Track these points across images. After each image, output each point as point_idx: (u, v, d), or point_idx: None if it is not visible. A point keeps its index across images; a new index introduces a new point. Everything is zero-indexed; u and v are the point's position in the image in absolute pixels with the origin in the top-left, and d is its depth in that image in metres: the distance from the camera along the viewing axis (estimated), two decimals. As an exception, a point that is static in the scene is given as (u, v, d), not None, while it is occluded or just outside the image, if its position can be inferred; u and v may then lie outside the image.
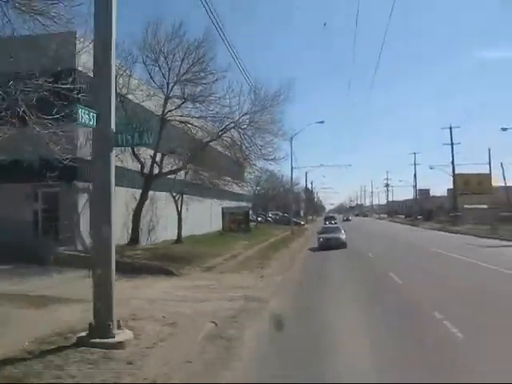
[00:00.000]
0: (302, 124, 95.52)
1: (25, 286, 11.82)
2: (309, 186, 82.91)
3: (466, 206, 61.35)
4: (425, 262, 19.07)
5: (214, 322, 8.45)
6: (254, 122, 20.81)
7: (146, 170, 20.58)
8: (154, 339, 7.10)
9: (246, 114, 20.79)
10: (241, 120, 20.80)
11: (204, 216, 31.50)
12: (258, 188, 51.85)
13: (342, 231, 29.12)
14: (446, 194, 76.56)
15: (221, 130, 20.95)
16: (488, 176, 65.12)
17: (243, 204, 43.45)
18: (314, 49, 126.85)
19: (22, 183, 17.31)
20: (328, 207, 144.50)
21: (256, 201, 51.88)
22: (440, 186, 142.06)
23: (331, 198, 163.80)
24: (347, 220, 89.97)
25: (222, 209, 34.19)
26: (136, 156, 19.97)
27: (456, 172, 62.20)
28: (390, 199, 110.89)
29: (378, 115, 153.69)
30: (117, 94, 12.68)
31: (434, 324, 8.19)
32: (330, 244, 26.54)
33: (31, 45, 12.90)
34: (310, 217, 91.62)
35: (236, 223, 33.99)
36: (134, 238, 20.25)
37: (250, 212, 42.88)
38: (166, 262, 16.49)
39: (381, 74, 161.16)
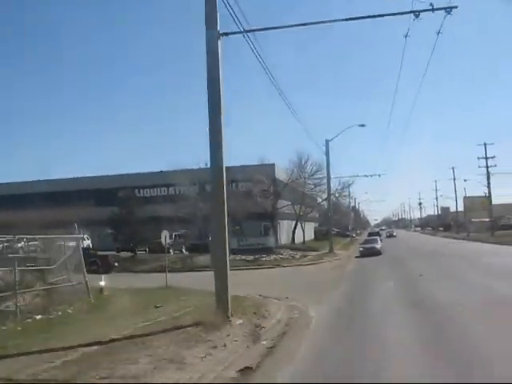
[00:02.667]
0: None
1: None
2: (356, 206, 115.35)
3: (472, 219, 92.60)
4: (412, 250, 51.12)
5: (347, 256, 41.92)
6: (339, 193, 54.43)
7: (297, 213, 53.93)
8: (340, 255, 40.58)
9: (336, 189, 54.53)
10: (332, 192, 54.50)
11: (306, 231, 64.85)
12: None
13: (379, 242, 41.78)
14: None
15: (325, 199, 54.45)
16: (488, 198, 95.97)
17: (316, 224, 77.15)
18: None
19: (257, 221, 50.50)
20: (372, 222, 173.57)
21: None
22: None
23: (375, 214, 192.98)
24: (391, 236, 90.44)
25: (314, 228, 67.72)
26: (294, 208, 53.42)
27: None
28: (425, 214, 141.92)
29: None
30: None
31: (390, 255, 41.19)
32: (367, 252, 37.87)
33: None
34: (358, 231, 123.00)
35: (322, 235, 67.19)
36: (293, 241, 53.48)
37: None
38: (313, 248, 49.31)
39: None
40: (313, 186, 53.50)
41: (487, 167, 66.11)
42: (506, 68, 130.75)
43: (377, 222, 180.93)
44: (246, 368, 8.10)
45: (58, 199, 48.07)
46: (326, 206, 61.79)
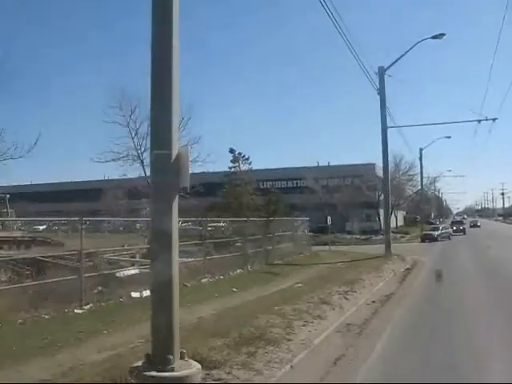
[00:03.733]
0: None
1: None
2: (439, 195, 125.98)
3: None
4: (487, 234, 63.40)
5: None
6: (427, 187, 67.96)
7: (392, 203, 67.66)
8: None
9: (425, 184, 67.98)
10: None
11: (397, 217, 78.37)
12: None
13: (438, 230, 50.67)
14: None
15: (416, 192, 67.86)
16: None
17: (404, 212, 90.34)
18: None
19: (361, 209, 64.75)
20: (455, 211, 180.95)
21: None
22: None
23: (456, 203, 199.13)
24: (475, 226, 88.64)
25: (404, 215, 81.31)
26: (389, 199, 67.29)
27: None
28: (508, 204, 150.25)
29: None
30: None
31: (469, 236, 54.38)
32: (427, 238, 47.84)
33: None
34: (441, 219, 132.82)
35: (410, 221, 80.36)
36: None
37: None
38: (406, 231, 62.81)
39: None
40: (405, 181, 67.10)
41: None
42: None
43: (459, 210, 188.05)
44: (407, 269, 22.96)
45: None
46: (416, 198, 75.33)
